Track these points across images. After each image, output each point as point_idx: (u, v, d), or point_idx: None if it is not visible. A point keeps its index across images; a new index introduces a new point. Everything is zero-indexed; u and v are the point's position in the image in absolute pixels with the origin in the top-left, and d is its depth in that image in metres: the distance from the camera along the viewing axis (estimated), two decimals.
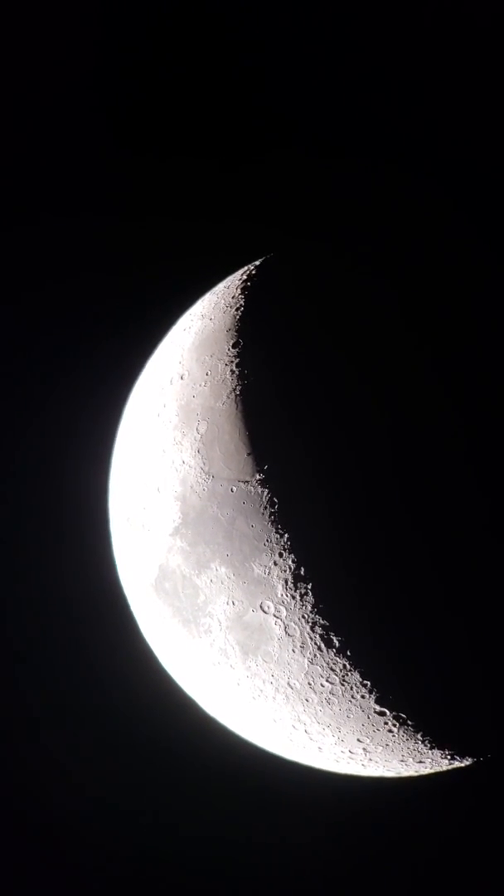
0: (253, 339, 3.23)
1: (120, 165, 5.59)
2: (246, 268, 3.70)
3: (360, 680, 2.96)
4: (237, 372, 3.15)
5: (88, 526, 4.77)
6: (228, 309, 3.45)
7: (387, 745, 3.17)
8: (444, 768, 3.50)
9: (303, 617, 2.93)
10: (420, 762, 3.34)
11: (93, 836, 5.56)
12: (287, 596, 2.93)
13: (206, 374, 3.26)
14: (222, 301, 3.55)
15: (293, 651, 2.99)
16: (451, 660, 2.89)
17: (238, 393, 3.09)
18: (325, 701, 3.06)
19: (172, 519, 3.21)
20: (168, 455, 3.27)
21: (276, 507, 2.91)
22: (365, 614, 2.86)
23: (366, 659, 2.92)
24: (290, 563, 2.90)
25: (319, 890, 5.44)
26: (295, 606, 2.93)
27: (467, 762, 3.45)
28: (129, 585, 3.79)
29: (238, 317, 3.36)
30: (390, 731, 3.10)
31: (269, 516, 2.92)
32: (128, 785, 5.58)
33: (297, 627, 2.95)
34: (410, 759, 3.30)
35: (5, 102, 5.41)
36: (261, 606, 2.99)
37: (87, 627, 5.43)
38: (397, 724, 3.07)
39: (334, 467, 2.82)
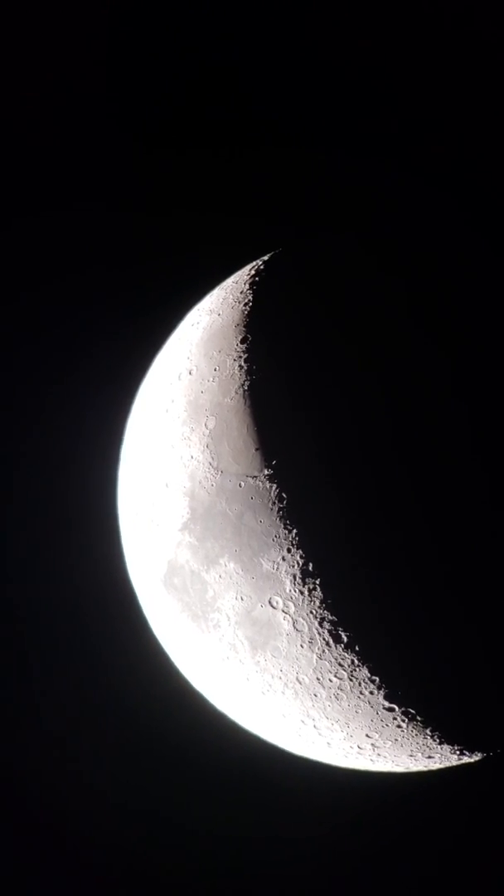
0: (261, 334, 3.22)
1: (127, 160, 5.59)
2: (254, 263, 3.69)
3: (369, 675, 2.96)
4: (245, 367, 3.14)
5: (97, 522, 4.78)
6: (237, 304, 3.44)
7: (396, 740, 3.17)
8: (454, 763, 3.49)
9: (311, 612, 2.93)
10: (429, 757, 3.34)
11: (101, 831, 5.59)
12: (295, 591, 2.93)
13: (215, 370, 3.26)
14: (230, 296, 3.54)
15: (302, 646, 2.99)
16: (461, 655, 2.88)
17: (246, 388, 3.09)
18: (333, 696, 3.06)
19: (181, 514, 3.22)
20: (176, 450, 3.28)
21: (285, 502, 2.91)
22: (373, 610, 2.85)
23: (374, 654, 2.92)
24: (298, 558, 2.90)
25: (328, 885, 5.45)
26: (303, 602, 2.93)
27: (476, 757, 3.44)
28: (137, 581, 3.80)
29: (246, 312, 3.35)
30: (399, 726, 3.10)
31: (278, 511, 2.92)
32: (137, 780, 5.61)
33: (305, 623, 2.95)
34: (419, 755, 3.30)
35: (7, 100, 5.41)
36: (269, 602, 2.99)
37: (96, 623, 5.45)
38: (406, 720, 3.07)
39: (343, 462, 2.81)
